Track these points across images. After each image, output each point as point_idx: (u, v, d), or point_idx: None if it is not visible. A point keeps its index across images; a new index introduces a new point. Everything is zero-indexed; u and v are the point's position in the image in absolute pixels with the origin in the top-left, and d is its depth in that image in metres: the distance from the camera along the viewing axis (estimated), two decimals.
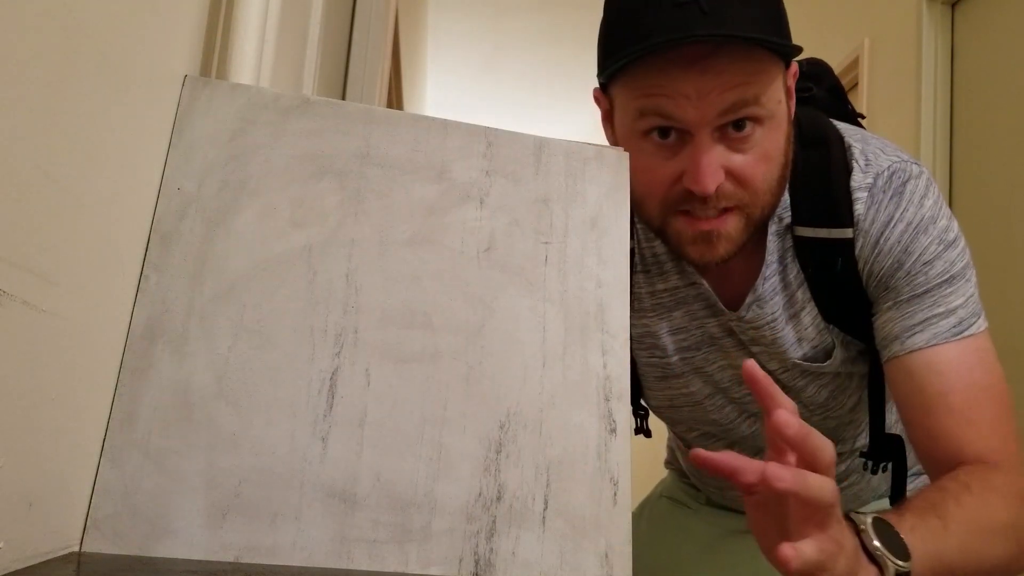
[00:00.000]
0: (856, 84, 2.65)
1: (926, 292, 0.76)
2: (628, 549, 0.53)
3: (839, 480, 0.91)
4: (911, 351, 0.75)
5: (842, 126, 0.85)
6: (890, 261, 0.77)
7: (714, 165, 0.72)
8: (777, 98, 0.75)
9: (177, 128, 0.55)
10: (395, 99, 2.98)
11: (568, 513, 0.53)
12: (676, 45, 0.69)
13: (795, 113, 0.82)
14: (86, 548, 0.49)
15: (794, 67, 0.79)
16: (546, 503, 0.53)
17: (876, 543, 0.56)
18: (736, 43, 0.70)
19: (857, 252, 0.79)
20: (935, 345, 0.74)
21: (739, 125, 0.73)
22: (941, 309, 0.75)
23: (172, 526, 0.50)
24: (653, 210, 0.77)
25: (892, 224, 0.78)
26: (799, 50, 0.75)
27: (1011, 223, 1.97)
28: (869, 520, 0.58)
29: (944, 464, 0.71)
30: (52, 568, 0.44)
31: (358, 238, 0.56)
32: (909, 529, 0.60)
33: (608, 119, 0.81)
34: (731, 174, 0.74)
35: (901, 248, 0.77)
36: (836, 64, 2.71)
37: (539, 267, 0.58)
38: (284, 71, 0.96)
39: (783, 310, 0.83)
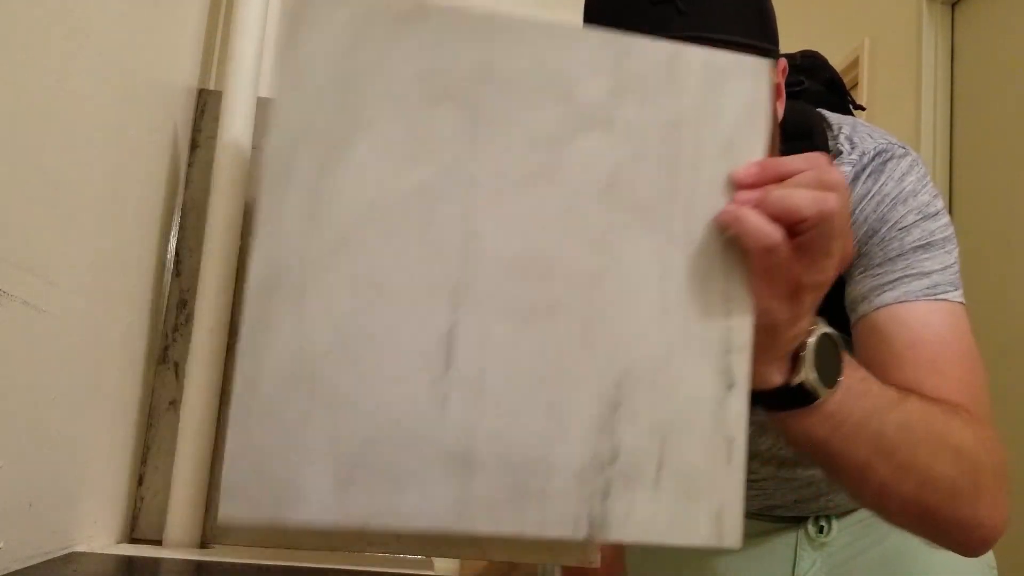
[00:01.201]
0: (856, 84, 2.65)
1: (899, 256, 0.72)
2: (740, 509, 0.51)
3: (817, 492, 0.90)
4: (879, 307, 0.71)
5: (832, 116, 0.82)
6: (864, 231, 0.74)
7: None
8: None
9: (284, 48, 0.50)
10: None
11: (682, 472, 0.51)
12: None
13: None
14: (222, 513, 0.48)
15: (782, 63, 0.76)
16: (660, 463, 0.51)
17: (810, 346, 0.54)
18: (707, 44, 0.69)
19: None
20: (905, 302, 0.70)
21: None
22: (915, 271, 0.72)
23: (302, 492, 0.49)
24: None
25: (869, 197, 0.75)
26: (776, 52, 0.73)
27: (1011, 222, 1.97)
28: (826, 330, 0.55)
29: None
30: (52, 568, 0.44)
31: (475, 175, 0.52)
32: (860, 377, 0.57)
33: None
34: None
35: (877, 217, 0.74)
36: (836, 64, 2.70)
37: (664, 204, 0.53)
38: None
39: None
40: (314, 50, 0.51)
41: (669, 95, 0.54)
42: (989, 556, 0.92)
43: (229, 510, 0.49)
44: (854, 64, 2.66)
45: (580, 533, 0.50)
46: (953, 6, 2.32)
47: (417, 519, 0.50)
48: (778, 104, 0.76)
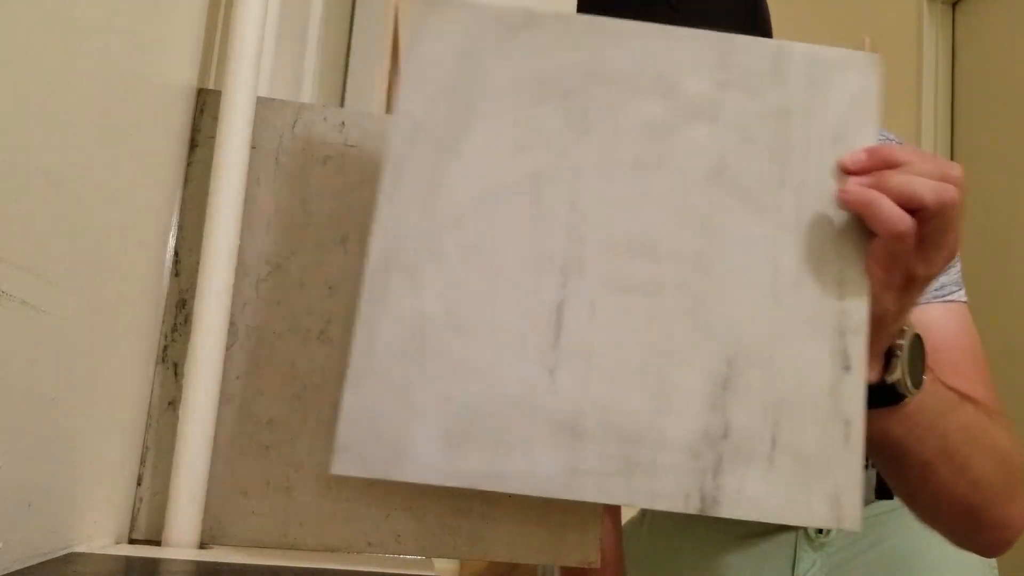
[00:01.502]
0: None
1: None
2: (859, 492, 0.51)
3: None
4: None
5: None
6: None
7: None
8: None
9: (408, 52, 0.55)
10: (395, 99, 2.98)
11: (797, 452, 0.51)
12: None
13: None
14: (336, 466, 0.51)
15: None
16: (774, 442, 0.51)
17: (905, 344, 0.55)
18: None
19: None
20: (920, 304, 0.74)
21: None
22: None
23: (412, 451, 0.51)
24: None
25: None
26: None
27: (1011, 222, 1.97)
28: (916, 330, 0.56)
29: None
30: (52, 568, 0.44)
31: (583, 163, 0.54)
32: (932, 378, 0.58)
33: None
34: None
35: None
36: None
37: (773, 190, 0.54)
38: (283, 72, 0.96)
39: None
40: (433, 53, 0.56)
41: (774, 88, 0.55)
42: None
43: (343, 464, 0.51)
44: None
45: (691, 507, 0.50)
46: (953, 6, 2.31)
47: (525, 484, 0.51)
48: None
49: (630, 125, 0.55)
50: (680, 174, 0.54)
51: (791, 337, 0.52)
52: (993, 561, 0.91)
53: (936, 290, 0.73)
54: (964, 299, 0.75)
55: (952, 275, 0.75)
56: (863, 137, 0.54)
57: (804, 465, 0.51)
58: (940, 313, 0.73)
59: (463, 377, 0.52)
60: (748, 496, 0.51)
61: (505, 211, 0.54)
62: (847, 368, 0.51)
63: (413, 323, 0.53)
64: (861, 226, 0.53)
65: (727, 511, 0.51)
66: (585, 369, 0.52)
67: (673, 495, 0.51)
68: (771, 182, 0.54)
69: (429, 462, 0.51)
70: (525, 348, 0.53)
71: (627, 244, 0.54)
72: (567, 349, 0.53)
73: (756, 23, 0.74)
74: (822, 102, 0.55)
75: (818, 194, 0.54)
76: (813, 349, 0.52)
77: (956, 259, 0.75)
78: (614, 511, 0.98)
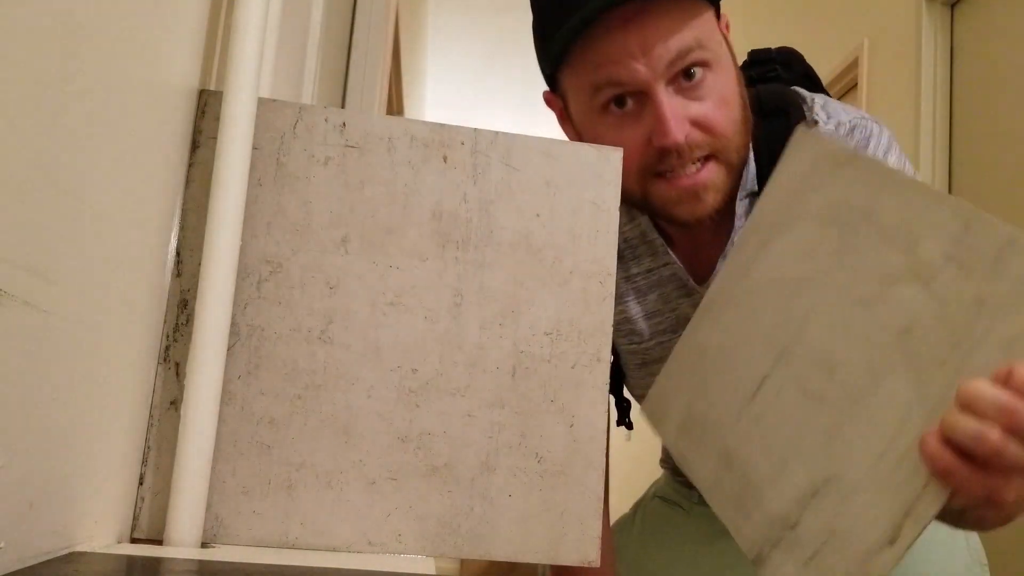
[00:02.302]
0: (856, 84, 2.65)
1: None
2: None
3: None
4: None
5: (804, 91, 0.86)
6: None
7: (678, 115, 0.74)
8: (717, 39, 0.77)
9: (778, 169, 0.71)
10: (395, 99, 2.99)
11: (825, 567, 0.60)
12: (606, 9, 0.71)
13: (756, 89, 0.85)
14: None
15: (725, 18, 0.81)
16: (816, 552, 0.61)
17: None
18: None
19: None
20: None
21: (689, 74, 0.74)
22: None
23: None
24: (632, 180, 0.78)
25: None
26: (718, 5, 0.78)
27: (1011, 222, 1.97)
28: None
29: None
30: (52, 568, 0.44)
31: (831, 282, 0.65)
32: None
33: (564, 118, 0.83)
34: (696, 123, 0.75)
35: None
36: (836, 64, 2.71)
37: (934, 368, 0.59)
38: (284, 73, 0.96)
39: None
40: (792, 170, 0.71)
41: (988, 275, 0.58)
42: (981, 553, 0.93)
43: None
44: (854, 64, 2.66)
45: (749, 556, 0.63)
46: (953, 6, 2.32)
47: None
48: (732, 49, 0.80)
49: (872, 265, 0.63)
50: (880, 322, 0.62)
51: (873, 492, 0.59)
52: (982, 558, 0.91)
53: None
54: None
55: None
56: None
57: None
58: None
59: (703, 393, 0.70)
60: (783, 574, 0.62)
61: (770, 298, 0.69)
62: (892, 542, 0.57)
63: (700, 349, 0.73)
64: None
65: (766, 575, 0.62)
66: (754, 426, 0.66)
67: (746, 540, 0.63)
68: (937, 360, 0.58)
69: (669, 433, 0.73)
70: (731, 397, 0.68)
71: (823, 357, 0.64)
72: (753, 407, 0.67)
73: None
74: (1017, 305, 0.56)
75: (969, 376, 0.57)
76: (880, 512, 0.58)
77: None
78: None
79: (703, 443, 0.68)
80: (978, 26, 2.22)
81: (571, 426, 0.68)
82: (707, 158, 0.76)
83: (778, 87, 0.87)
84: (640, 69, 0.73)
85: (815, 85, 0.94)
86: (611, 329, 0.70)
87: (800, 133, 0.70)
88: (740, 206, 0.82)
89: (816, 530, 0.60)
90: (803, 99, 0.84)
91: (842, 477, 0.60)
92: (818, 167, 0.68)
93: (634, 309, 0.90)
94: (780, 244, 0.69)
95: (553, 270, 0.69)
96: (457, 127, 0.69)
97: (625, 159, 0.74)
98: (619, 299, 0.90)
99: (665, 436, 0.72)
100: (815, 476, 0.61)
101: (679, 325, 0.89)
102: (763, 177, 0.82)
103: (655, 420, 0.74)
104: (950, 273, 0.58)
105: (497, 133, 0.70)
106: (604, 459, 0.68)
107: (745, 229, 0.70)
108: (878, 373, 0.60)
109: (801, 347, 0.66)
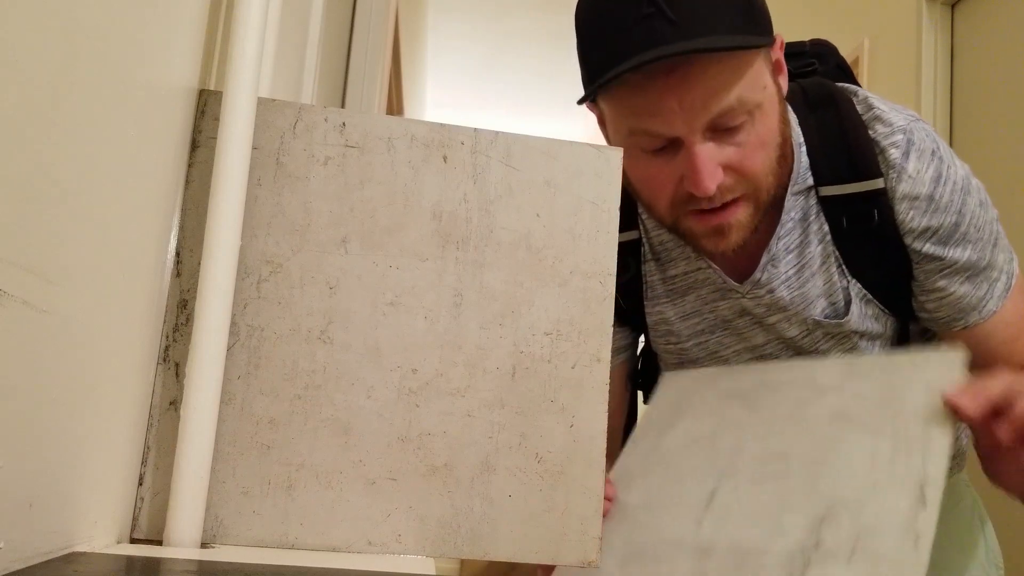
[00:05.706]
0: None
1: (982, 261, 0.81)
2: None
3: None
4: (989, 315, 0.83)
5: (847, 85, 0.86)
6: (949, 220, 0.79)
7: (710, 166, 0.73)
8: (762, 85, 0.75)
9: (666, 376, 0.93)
10: (395, 100, 2.98)
11: (872, 554, 0.63)
12: (646, 67, 0.70)
13: (799, 83, 0.84)
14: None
15: (779, 39, 0.79)
16: (854, 549, 0.65)
17: None
18: (703, 52, 0.70)
19: (897, 199, 0.80)
20: (1002, 305, 0.84)
21: (727, 127, 0.74)
22: (995, 273, 0.82)
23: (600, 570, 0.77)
24: (663, 213, 0.80)
25: (943, 181, 0.79)
26: (767, 40, 0.75)
27: (1010, 222, 1.97)
28: None
29: None
30: (52, 568, 0.44)
31: (748, 422, 0.81)
32: None
33: (603, 123, 0.82)
34: (729, 168, 0.75)
35: (955, 209, 0.79)
36: None
37: (877, 419, 0.74)
38: (284, 73, 0.96)
39: (796, 267, 0.84)
40: (674, 383, 0.90)
41: (882, 380, 0.76)
42: (997, 556, 0.93)
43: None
44: (854, 64, 2.65)
45: None
46: (953, 6, 2.31)
47: None
48: (780, 79, 0.79)
49: (784, 400, 0.80)
50: (812, 422, 0.76)
51: (881, 494, 0.67)
52: (999, 560, 0.91)
53: (1005, 283, 0.83)
54: (1016, 266, 0.85)
55: (1008, 258, 0.84)
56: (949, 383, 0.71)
57: (877, 564, 0.63)
58: (1012, 305, 0.84)
59: (641, 531, 0.77)
60: None
61: (693, 449, 0.81)
62: (925, 506, 0.64)
63: (621, 511, 0.81)
64: (944, 416, 0.69)
65: None
66: (723, 522, 0.72)
67: None
68: (876, 414, 0.73)
69: (608, 572, 0.76)
70: (687, 513, 0.75)
71: (766, 458, 0.75)
72: (713, 512, 0.74)
73: (752, 14, 0.74)
74: (910, 385, 0.75)
75: (914, 417, 0.71)
76: (897, 500, 0.66)
77: (1002, 233, 0.83)
78: None
79: (660, 562, 0.73)
80: (978, 26, 2.22)
81: (571, 426, 0.68)
82: (737, 199, 0.76)
83: (821, 80, 0.87)
84: (677, 124, 0.72)
85: (848, 77, 0.94)
86: (611, 329, 0.70)
87: (666, 376, 0.89)
88: (790, 201, 0.82)
89: (843, 537, 0.65)
90: (853, 92, 0.84)
91: (844, 498, 0.67)
92: (698, 380, 0.87)
93: (671, 311, 0.91)
94: (684, 421, 0.84)
95: (553, 270, 0.69)
96: (457, 127, 0.69)
97: (656, 190, 0.77)
98: (656, 301, 0.91)
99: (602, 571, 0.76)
100: (816, 511, 0.68)
101: (717, 326, 0.90)
102: (816, 170, 0.82)
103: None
104: (854, 385, 0.76)
105: (497, 133, 0.70)
106: (604, 459, 0.68)
107: (638, 429, 0.85)
108: (829, 441, 0.73)
109: (741, 461, 0.76)
